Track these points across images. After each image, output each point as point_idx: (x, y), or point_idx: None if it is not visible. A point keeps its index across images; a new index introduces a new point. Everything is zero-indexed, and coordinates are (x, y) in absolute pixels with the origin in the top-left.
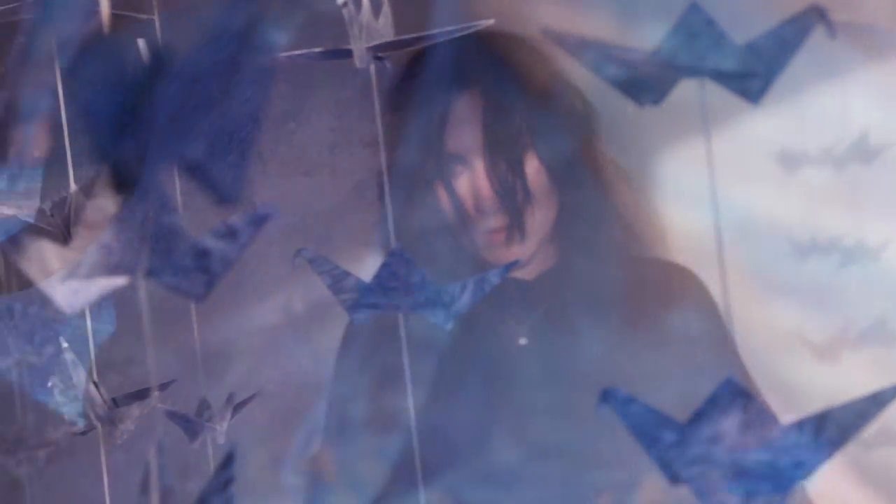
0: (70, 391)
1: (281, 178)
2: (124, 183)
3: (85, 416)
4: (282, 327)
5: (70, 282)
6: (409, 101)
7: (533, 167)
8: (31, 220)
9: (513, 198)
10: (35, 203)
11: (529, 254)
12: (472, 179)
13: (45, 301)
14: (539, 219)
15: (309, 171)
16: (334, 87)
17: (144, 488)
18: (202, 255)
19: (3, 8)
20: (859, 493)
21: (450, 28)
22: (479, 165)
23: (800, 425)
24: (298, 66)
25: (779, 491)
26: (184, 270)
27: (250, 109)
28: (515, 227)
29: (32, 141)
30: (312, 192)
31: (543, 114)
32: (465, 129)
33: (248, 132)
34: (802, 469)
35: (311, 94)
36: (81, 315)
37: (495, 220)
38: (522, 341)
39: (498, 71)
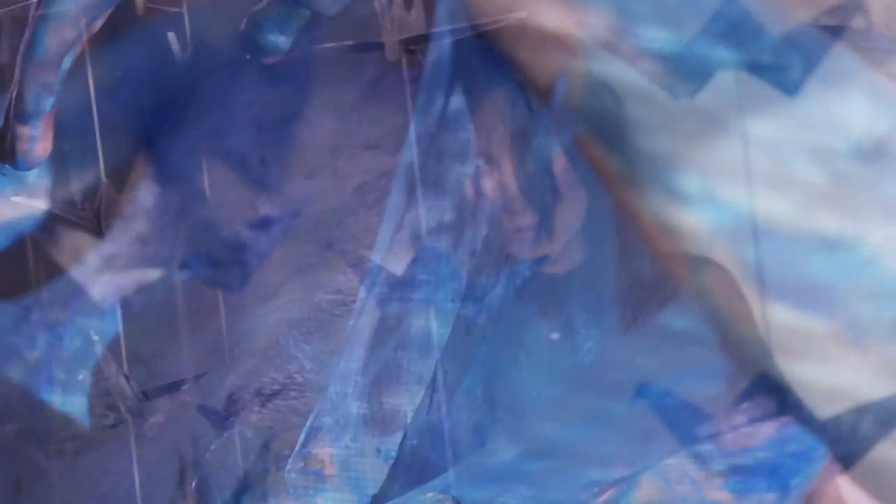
0: (101, 384)
1: (281, 179)
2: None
3: (111, 409)
4: (283, 328)
5: (106, 275)
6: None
7: (560, 165)
8: (63, 213)
9: (540, 196)
10: (65, 196)
11: (559, 250)
12: (499, 178)
13: (75, 295)
14: (568, 216)
15: (310, 172)
16: (335, 89)
17: (180, 481)
18: (238, 247)
19: (16, 6)
20: (867, 491)
21: (484, 21)
22: (507, 164)
23: (836, 420)
24: (299, 67)
25: (813, 485)
26: (221, 263)
27: (287, 104)
28: (543, 225)
29: (50, 136)
30: (313, 194)
31: (570, 111)
32: (491, 128)
33: (285, 126)
34: (839, 464)
35: (312, 95)
36: (84, 314)
37: (523, 219)
38: (555, 336)
39: (523, 68)
